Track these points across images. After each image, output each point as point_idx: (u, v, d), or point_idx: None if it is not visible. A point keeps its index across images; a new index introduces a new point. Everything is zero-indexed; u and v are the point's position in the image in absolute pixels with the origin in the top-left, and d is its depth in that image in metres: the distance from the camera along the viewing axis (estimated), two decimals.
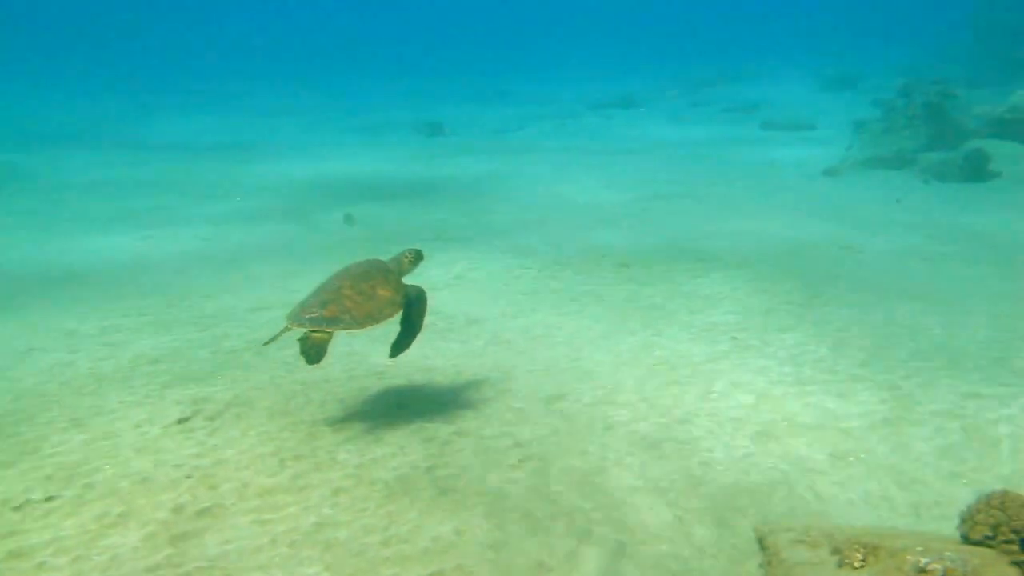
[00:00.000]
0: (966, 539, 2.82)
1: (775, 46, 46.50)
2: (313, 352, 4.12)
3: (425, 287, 4.72)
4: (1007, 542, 2.70)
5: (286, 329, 4.29)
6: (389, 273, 4.51)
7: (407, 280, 4.66)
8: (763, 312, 6.55)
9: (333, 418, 4.72)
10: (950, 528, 3.64)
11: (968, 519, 2.79)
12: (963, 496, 4.00)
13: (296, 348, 4.24)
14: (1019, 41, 27.20)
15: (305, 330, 4.14)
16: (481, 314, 6.66)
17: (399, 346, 4.61)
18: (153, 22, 59.48)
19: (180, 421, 4.67)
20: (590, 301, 6.97)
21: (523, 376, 5.38)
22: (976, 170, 13.54)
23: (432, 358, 5.73)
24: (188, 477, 4.01)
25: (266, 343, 4.68)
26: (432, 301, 4.83)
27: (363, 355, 5.78)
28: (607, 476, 4.13)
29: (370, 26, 70.85)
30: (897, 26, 41.74)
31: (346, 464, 4.18)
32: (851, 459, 4.35)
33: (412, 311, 4.56)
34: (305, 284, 7.65)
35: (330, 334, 4.16)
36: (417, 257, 4.79)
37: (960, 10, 31.60)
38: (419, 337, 4.68)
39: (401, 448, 4.37)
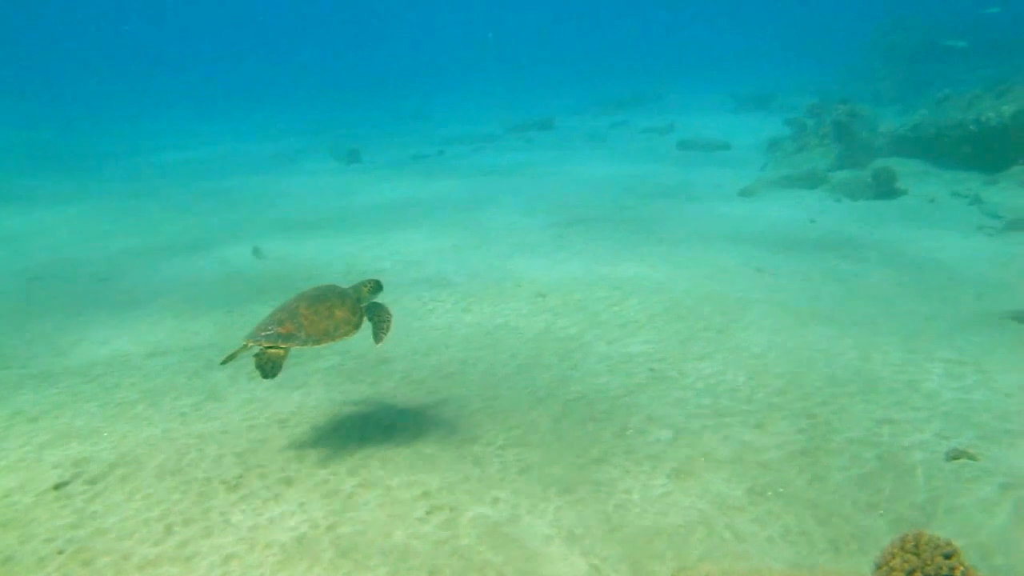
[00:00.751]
0: None
1: (691, 66, 47.75)
2: (268, 366, 4.32)
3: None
4: None
5: (244, 347, 4.47)
6: (346, 297, 4.71)
7: None
8: (681, 340, 6.52)
9: (229, 474, 4.45)
10: (867, 563, 3.62)
11: (883, 565, 2.73)
12: (880, 528, 4.01)
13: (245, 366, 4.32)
14: (919, 61, 28.58)
15: (261, 347, 4.33)
16: (392, 352, 6.45)
17: (378, 334, 4.79)
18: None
19: (57, 487, 4.33)
20: (505, 334, 6.83)
21: (433, 418, 5.20)
22: (884, 188, 14.01)
23: (339, 402, 5.49)
24: (60, 553, 3.69)
25: (222, 362, 4.74)
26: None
27: (265, 401, 5.51)
28: (519, 525, 3.97)
29: (287, 51, 70.04)
30: (807, 46, 43.30)
31: (240, 527, 3.91)
32: (769, 493, 4.30)
33: (374, 315, 4.84)
34: (206, 327, 7.38)
35: (285, 350, 4.38)
36: (376, 287, 5.00)
37: (864, 31, 33.05)
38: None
39: (301, 505, 4.13)
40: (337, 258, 10.09)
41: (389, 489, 4.29)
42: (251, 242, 11.01)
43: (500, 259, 9.62)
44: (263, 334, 4.35)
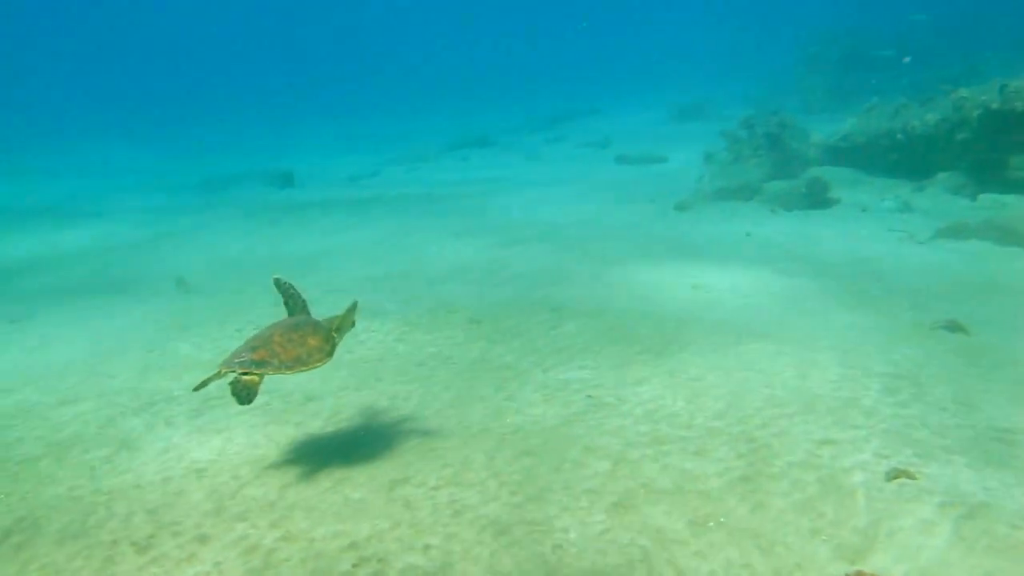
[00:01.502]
0: None
1: (626, 78, 48.38)
2: (244, 393, 4.44)
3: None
4: None
5: (218, 374, 4.55)
6: (319, 327, 4.82)
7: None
8: (618, 364, 6.43)
9: (138, 535, 4.18)
10: None
11: None
12: (823, 555, 3.94)
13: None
14: (845, 71, 29.41)
15: (235, 373, 4.44)
16: (320, 389, 6.23)
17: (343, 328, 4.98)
18: None
19: None
20: (438, 365, 6.66)
21: (364, 459, 4.99)
22: (818, 197, 14.26)
23: (263, 446, 5.25)
24: None
25: (196, 388, 4.79)
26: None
27: (183, 449, 5.24)
28: (452, 574, 3.80)
29: (214, 72, 68.99)
30: (739, 56, 44.24)
31: None
32: (711, 524, 4.21)
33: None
34: (123, 368, 7.03)
35: (260, 376, 4.49)
36: (350, 312, 5.06)
37: (794, 42, 33.91)
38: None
39: (216, 565, 3.89)
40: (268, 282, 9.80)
41: (313, 541, 4.08)
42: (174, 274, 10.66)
43: (434, 285, 9.45)
44: (237, 361, 4.46)
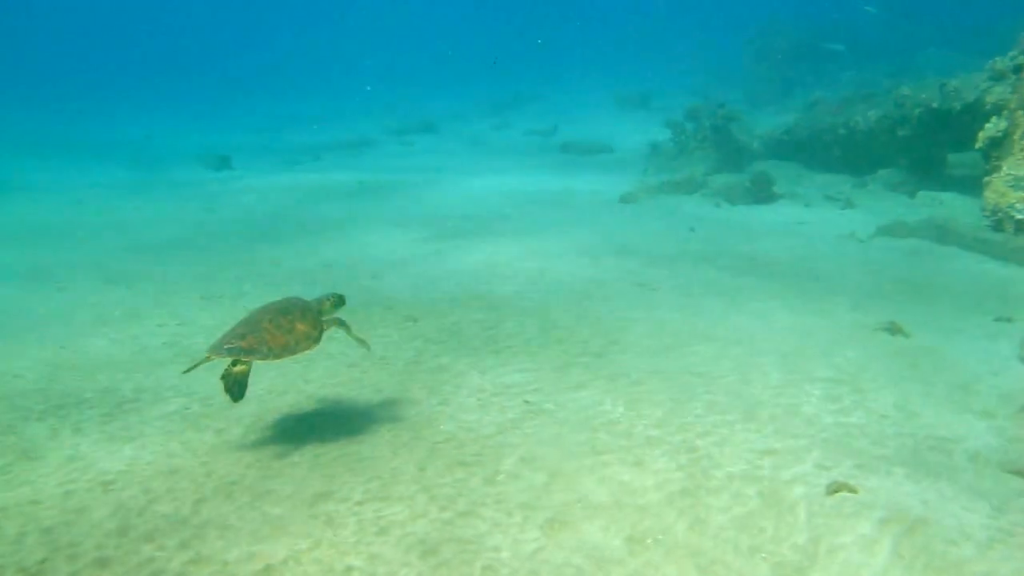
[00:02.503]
0: None
1: (572, 65, 48.23)
2: (236, 387, 4.63)
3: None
4: None
5: (206, 359, 4.63)
6: (308, 310, 4.89)
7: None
8: (557, 367, 6.27)
9: (29, 559, 3.86)
10: None
11: None
12: (763, 574, 3.83)
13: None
14: (791, 63, 29.73)
15: (224, 361, 4.56)
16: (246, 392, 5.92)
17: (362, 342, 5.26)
18: None
19: None
20: (371, 366, 6.41)
21: (287, 470, 4.73)
22: (762, 192, 14.32)
23: (178, 455, 4.95)
24: None
25: (185, 371, 4.97)
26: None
27: (90, 460, 4.91)
28: None
29: (151, 46, 66.88)
30: (685, 46, 44.45)
31: None
32: (649, 541, 4.07)
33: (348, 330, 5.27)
34: (31, 367, 6.59)
35: (248, 364, 4.61)
36: (339, 301, 5.26)
37: (740, 33, 34.17)
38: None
39: None
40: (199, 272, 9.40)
41: (226, 565, 3.82)
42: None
43: (372, 279, 9.17)
44: (226, 347, 4.51)
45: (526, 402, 5.66)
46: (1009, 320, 7.70)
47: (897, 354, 6.69)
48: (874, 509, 4.28)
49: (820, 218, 12.74)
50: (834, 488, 4.47)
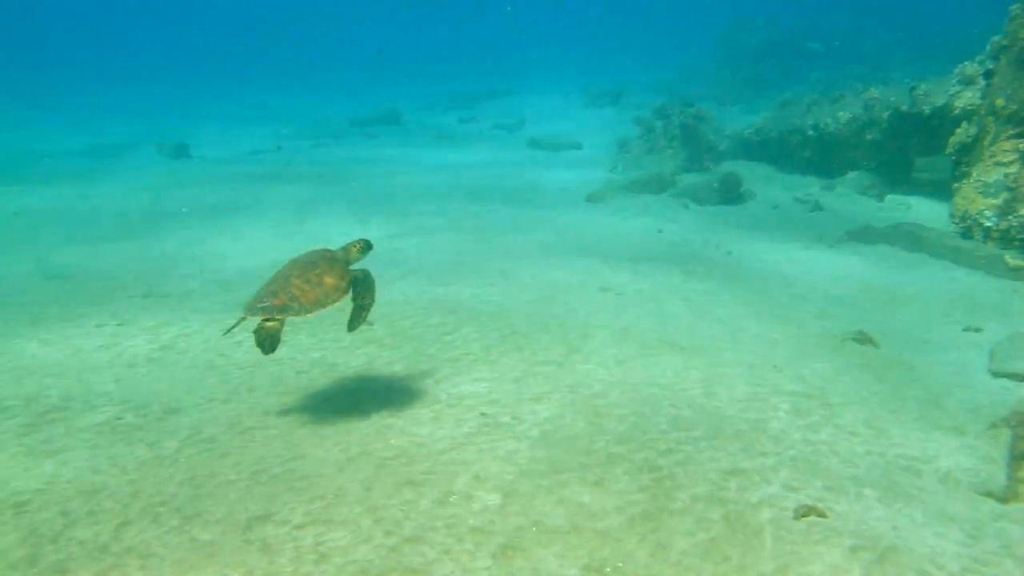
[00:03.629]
0: None
1: (542, 60, 48.05)
2: (267, 342, 4.72)
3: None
4: None
5: (242, 319, 4.82)
6: (335, 261, 5.03)
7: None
8: (517, 377, 6.02)
9: None
10: None
11: None
12: None
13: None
14: (760, 62, 29.81)
15: (258, 319, 4.68)
16: (182, 401, 5.60)
17: (354, 322, 5.20)
18: None
19: None
20: (319, 374, 6.12)
21: (222, 489, 4.43)
22: (731, 193, 14.20)
23: (104, 472, 4.62)
24: None
25: (224, 333, 5.25)
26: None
27: (4, 477, 4.56)
28: None
29: (110, 29, 65.44)
30: (657, 43, 44.47)
31: None
32: (608, 570, 3.85)
33: (359, 291, 5.14)
34: None
35: (281, 321, 4.73)
36: (366, 247, 5.34)
37: (711, 31, 34.21)
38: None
39: None
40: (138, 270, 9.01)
41: None
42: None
43: None
44: (259, 306, 4.65)
45: (483, 414, 5.41)
46: (978, 330, 7.62)
47: (866, 366, 6.55)
48: (844, 535, 4.10)
49: (787, 221, 12.63)
50: (803, 512, 4.29)
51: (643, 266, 9.45)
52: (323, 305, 4.78)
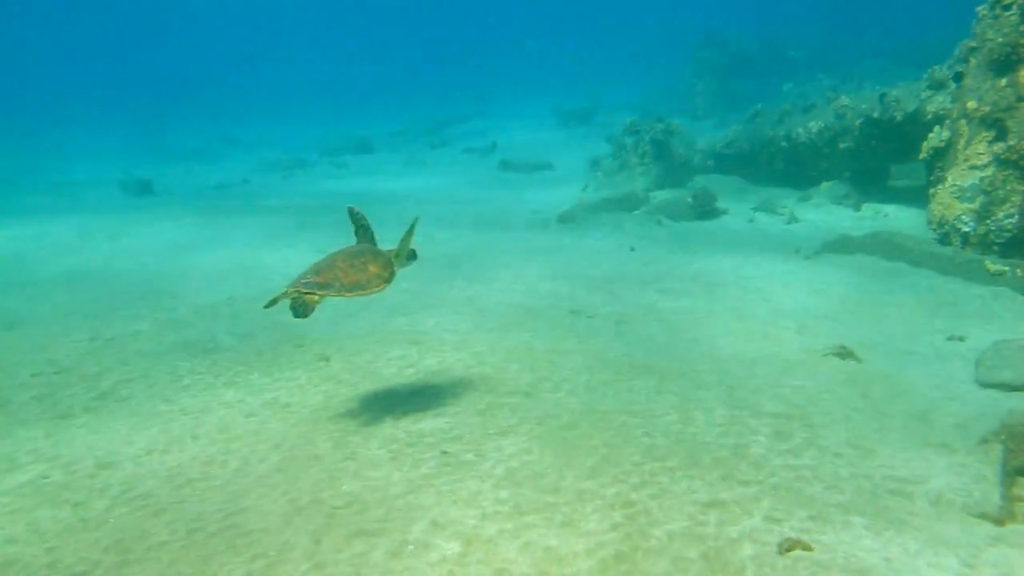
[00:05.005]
0: None
1: (512, 82, 48.12)
2: (301, 308, 4.98)
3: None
4: None
5: (284, 294, 5.06)
6: (380, 254, 5.39)
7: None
8: (481, 410, 5.71)
9: None
10: None
11: None
12: None
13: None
14: (730, 77, 29.91)
15: (300, 293, 4.97)
16: (118, 453, 5.25)
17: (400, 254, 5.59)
18: None
19: None
20: (272, 415, 5.78)
21: (153, 553, 4.08)
22: (705, 209, 14.03)
23: (20, 540, 4.24)
24: None
25: (266, 306, 5.29)
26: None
27: None
28: None
29: (71, 68, 65.05)
30: (627, 61, 44.65)
31: None
32: None
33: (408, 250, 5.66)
34: None
35: (320, 296, 5.01)
36: (412, 255, 5.76)
37: (680, 47, 34.32)
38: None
39: None
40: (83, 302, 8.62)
41: None
42: None
43: (279, 313, 8.49)
44: (303, 282, 5.01)
45: (444, 452, 5.09)
46: (961, 339, 7.41)
47: (848, 382, 6.30)
48: (831, 570, 3.81)
49: (763, 234, 12.45)
50: (787, 546, 4.00)
51: (616, 286, 9.19)
52: (363, 289, 5.08)
